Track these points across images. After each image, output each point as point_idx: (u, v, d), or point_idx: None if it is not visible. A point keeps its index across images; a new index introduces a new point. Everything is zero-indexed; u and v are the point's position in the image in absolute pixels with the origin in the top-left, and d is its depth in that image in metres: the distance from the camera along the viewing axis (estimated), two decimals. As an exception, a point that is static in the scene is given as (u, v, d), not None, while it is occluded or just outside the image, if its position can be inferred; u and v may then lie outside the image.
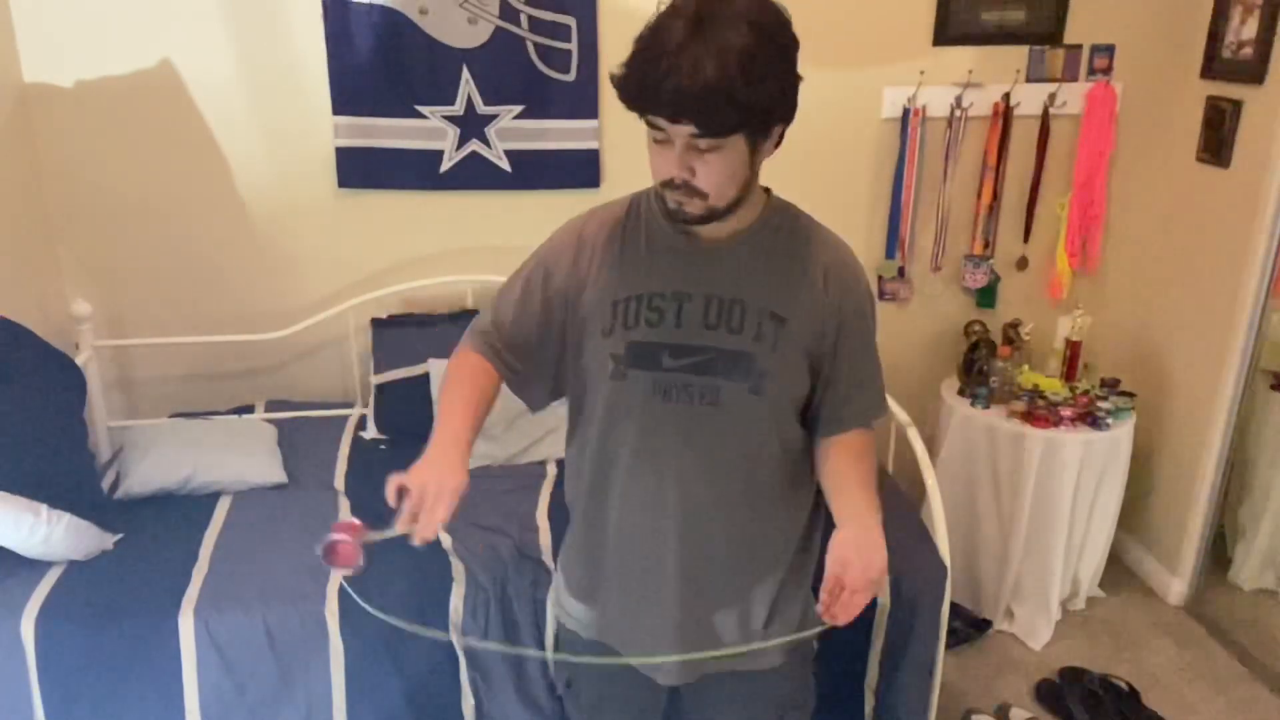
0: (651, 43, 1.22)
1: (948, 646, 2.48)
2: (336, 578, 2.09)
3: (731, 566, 1.49)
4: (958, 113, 2.94)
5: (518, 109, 2.82)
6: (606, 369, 1.41)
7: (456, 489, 1.30)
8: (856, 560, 1.29)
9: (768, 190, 1.44)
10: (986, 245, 3.09)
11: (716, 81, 1.18)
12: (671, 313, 1.39)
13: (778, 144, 1.35)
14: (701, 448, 1.42)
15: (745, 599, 1.51)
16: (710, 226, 1.37)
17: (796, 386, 1.43)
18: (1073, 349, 2.96)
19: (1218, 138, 2.73)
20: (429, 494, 1.28)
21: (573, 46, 2.78)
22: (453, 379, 1.46)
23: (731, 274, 1.39)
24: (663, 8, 1.25)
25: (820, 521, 1.55)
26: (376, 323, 2.88)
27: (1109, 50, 2.94)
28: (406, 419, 2.72)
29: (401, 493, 1.28)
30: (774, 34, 1.23)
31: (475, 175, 2.86)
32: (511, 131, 2.84)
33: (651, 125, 1.27)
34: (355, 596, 1.89)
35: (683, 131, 1.24)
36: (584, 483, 1.52)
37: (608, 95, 2.81)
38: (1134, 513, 3.10)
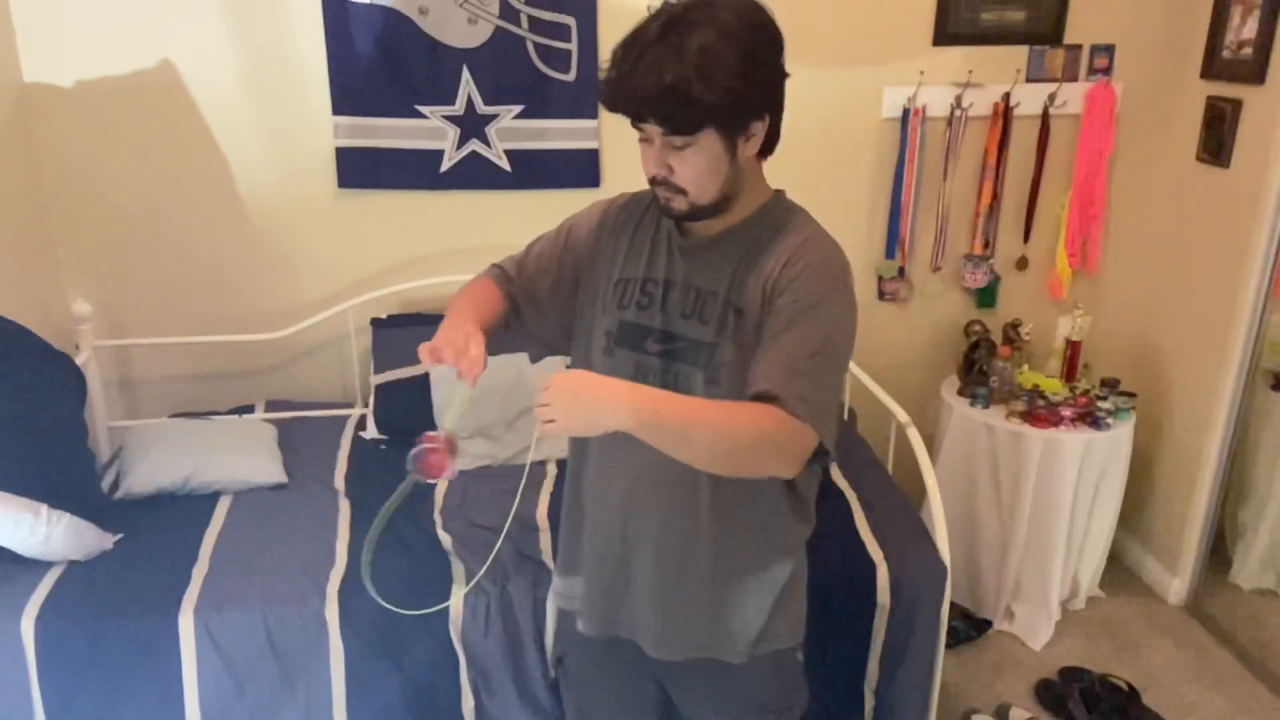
0: (622, 46, 1.28)
1: (948, 646, 2.48)
2: (337, 577, 2.10)
3: (694, 550, 1.49)
4: (957, 113, 2.94)
5: (518, 109, 2.82)
6: (600, 344, 1.47)
7: (481, 338, 1.37)
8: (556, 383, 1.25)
9: (780, 192, 1.45)
10: (986, 245, 3.09)
11: (672, 81, 1.23)
12: (659, 299, 1.44)
13: (771, 143, 1.36)
14: None
15: (711, 585, 1.50)
16: (704, 222, 1.40)
17: None
18: (1073, 349, 2.96)
19: (1218, 138, 2.73)
20: (458, 340, 1.35)
21: (572, 46, 2.78)
22: (463, 294, 1.53)
23: (711, 267, 1.42)
24: (652, 11, 1.29)
25: (803, 529, 1.54)
26: (376, 323, 2.88)
27: (1109, 50, 2.94)
28: (406, 419, 2.72)
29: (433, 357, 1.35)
30: (739, 33, 1.26)
31: (475, 175, 2.87)
32: (511, 131, 2.84)
33: (633, 125, 1.33)
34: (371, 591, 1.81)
35: (656, 130, 1.30)
36: (571, 452, 1.59)
37: (608, 95, 2.80)
38: (1134, 513, 3.10)
